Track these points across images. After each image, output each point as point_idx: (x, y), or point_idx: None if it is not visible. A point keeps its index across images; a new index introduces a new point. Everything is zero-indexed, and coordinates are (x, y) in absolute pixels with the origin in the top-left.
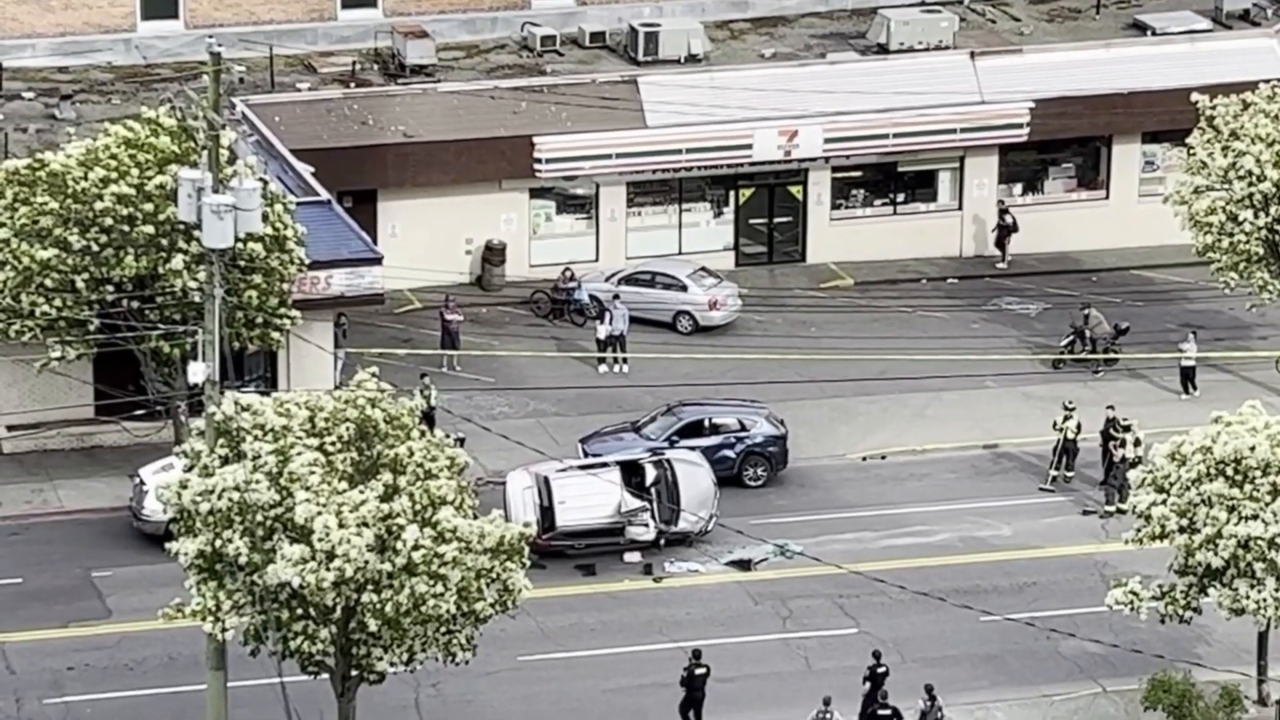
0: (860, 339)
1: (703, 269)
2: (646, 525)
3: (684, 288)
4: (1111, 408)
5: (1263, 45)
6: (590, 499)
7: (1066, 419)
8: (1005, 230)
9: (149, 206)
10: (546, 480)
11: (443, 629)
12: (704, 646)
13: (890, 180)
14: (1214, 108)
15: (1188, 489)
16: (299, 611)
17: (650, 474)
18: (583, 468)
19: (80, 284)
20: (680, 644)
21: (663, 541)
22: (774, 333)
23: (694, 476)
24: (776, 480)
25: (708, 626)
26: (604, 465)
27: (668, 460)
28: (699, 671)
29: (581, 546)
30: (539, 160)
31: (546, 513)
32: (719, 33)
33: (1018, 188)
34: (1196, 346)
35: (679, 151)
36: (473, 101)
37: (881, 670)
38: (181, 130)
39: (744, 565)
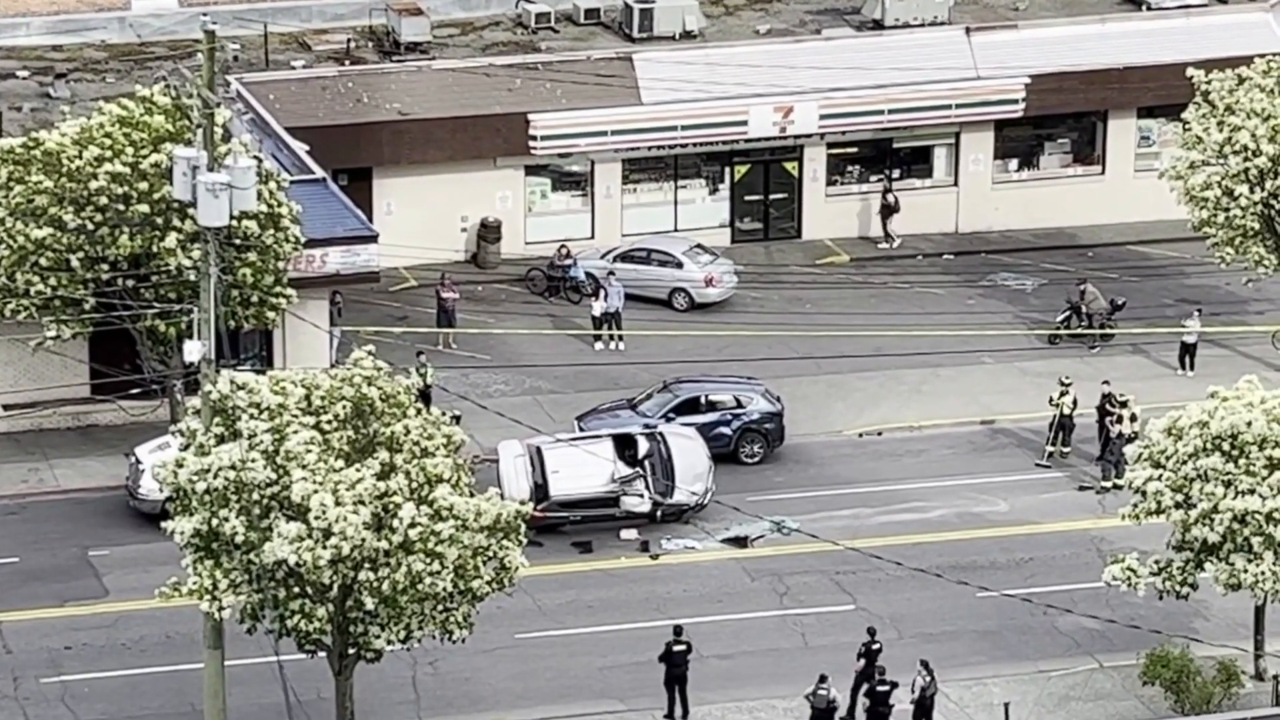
0: (856, 315)
1: (698, 246)
2: (641, 496)
3: (680, 265)
4: (1108, 383)
5: (1258, 19)
6: (584, 468)
7: (1063, 394)
8: (888, 209)
9: (144, 185)
10: (539, 450)
11: (440, 607)
12: (701, 623)
13: (886, 156)
14: (1209, 82)
15: (1184, 464)
16: (296, 590)
17: (643, 446)
18: (574, 440)
19: (75, 263)
20: (677, 621)
21: (659, 514)
22: (770, 309)
23: (688, 451)
24: (773, 457)
25: (704, 603)
26: (596, 438)
27: (660, 434)
28: (677, 649)
29: (577, 519)
30: (534, 137)
31: (540, 485)
32: (714, 9)
33: (1014, 163)
34: (1200, 324)
35: (674, 128)
36: (468, 79)
37: (876, 647)
38: (176, 108)
39: (741, 542)
